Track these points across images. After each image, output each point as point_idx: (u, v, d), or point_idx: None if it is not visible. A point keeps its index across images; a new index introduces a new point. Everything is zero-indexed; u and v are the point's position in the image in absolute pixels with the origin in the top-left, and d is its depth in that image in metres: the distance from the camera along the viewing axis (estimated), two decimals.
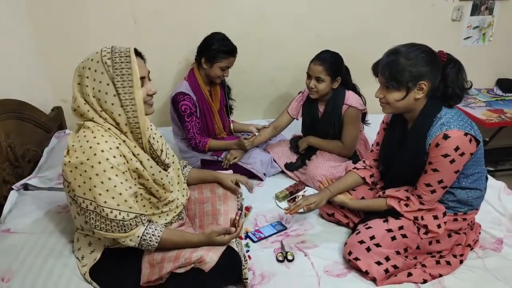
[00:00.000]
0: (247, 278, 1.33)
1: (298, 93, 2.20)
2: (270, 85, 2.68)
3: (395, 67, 1.36)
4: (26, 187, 1.78)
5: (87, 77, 1.20)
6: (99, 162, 1.17)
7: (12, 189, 1.73)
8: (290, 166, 2.15)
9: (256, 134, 2.17)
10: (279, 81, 2.67)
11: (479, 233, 1.62)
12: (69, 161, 1.20)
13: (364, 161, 1.74)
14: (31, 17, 2.19)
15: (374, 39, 2.57)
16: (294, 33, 2.52)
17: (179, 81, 2.17)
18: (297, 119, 2.20)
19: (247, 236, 1.66)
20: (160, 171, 1.36)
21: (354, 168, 1.73)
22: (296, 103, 2.18)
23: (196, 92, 2.09)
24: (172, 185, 1.45)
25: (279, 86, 2.69)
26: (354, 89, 2.05)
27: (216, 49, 2.00)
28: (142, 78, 1.24)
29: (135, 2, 2.28)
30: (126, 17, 2.31)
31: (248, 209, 1.82)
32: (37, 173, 1.88)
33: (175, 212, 1.48)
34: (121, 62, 1.19)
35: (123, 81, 1.19)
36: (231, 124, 2.36)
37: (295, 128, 2.29)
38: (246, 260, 1.36)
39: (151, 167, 1.32)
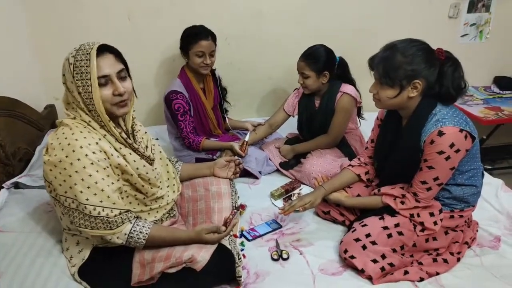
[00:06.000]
0: (240, 276, 1.31)
1: (294, 90, 2.18)
2: (267, 82, 2.66)
3: (390, 63, 1.33)
4: (16, 185, 1.75)
5: (64, 75, 1.20)
6: (78, 159, 1.15)
7: (2, 187, 1.70)
8: (284, 165, 2.13)
9: (251, 131, 2.14)
10: (276, 79, 2.65)
11: (477, 230, 1.61)
12: (48, 159, 1.17)
13: (359, 158, 1.72)
14: (27, 13, 2.17)
15: (370, 36, 2.55)
16: (292, 30, 2.51)
17: (172, 79, 2.15)
18: (293, 116, 2.19)
19: (242, 235, 1.64)
20: (144, 165, 1.33)
21: (349, 165, 1.71)
22: (292, 100, 2.16)
23: (189, 89, 2.07)
24: (159, 181, 1.43)
25: (276, 83, 2.67)
26: (351, 82, 2.04)
27: (186, 37, 2.00)
28: (105, 77, 1.18)
29: (131, 0, 2.26)
30: (122, 15, 2.29)
31: (243, 207, 1.80)
32: (29, 171, 1.85)
33: (165, 209, 1.46)
34: (81, 60, 1.16)
35: (82, 79, 1.16)
36: (227, 121, 2.34)
37: (291, 126, 2.27)
38: (240, 258, 1.34)
39: (134, 161, 1.30)
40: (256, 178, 2.06)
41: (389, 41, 1.41)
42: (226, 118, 2.35)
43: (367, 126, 2.08)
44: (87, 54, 1.15)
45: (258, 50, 2.52)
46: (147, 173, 1.34)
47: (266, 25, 2.46)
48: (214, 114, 2.22)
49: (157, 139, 2.39)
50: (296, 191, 1.95)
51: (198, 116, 2.15)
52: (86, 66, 1.15)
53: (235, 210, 1.42)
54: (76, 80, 1.16)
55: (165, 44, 2.39)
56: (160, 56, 2.43)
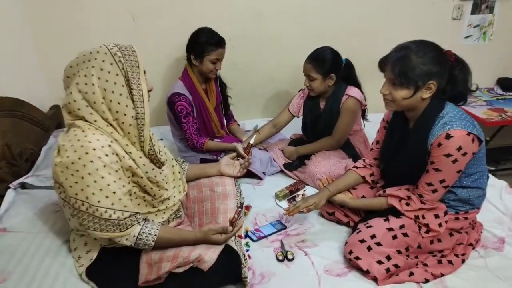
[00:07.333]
0: (246, 277, 1.31)
1: (299, 91, 2.19)
2: (269, 83, 2.66)
3: (407, 63, 1.32)
4: (23, 185, 1.76)
5: (93, 67, 1.18)
6: (91, 161, 1.15)
7: (9, 187, 1.71)
8: (288, 166, 2.13)
9: (255, 132, 2.14)
10: (278, 80, 2.65)
11: (481, 232, 1.61)
12: (60, 161, 1.17)
13: (364, 160, 1.72)
14: (29, 14, 2.17)
15: (373, 37, 2.56)
16: (293, 31, 2.51)
17: (176, 80, 2.15)
18: (298, 117, 2.19)
19: (246, 235, 1.64)
20: (153, 169, 1.34)
21: (354, 167, 1.71)
22: (297, 101, 2.16)
23: (192, 91, 2.08)
24: (166, 183, 1.43)
25: (278, 84, 2.67)
26: (357, 85, 2.04)
27: (204, 42, 1.98)
28: (144, 72, 1.26)
29: (132, 1, 2.27)
30: (124, 15, 2.29)
31: (247, 208, 1.80)
32: (35, 171, 1.86)
33: (172, 210, 1.47)
34: (129, 55, 1.21)
35: (132, 72, 1.20)
36: (232, 125, 2.35)
37: (295, 127, 2.27)
38: (246, 258, 1.34)
39: (144, 165, 1.30)
40: (260, 179, 2.07)
41: (392, 42, 1.41)
42: (233, 122, 2.36)
43: (371, 127, 2.08)
44: (133, 51, 1.22)
45: (258, 50, 2.53)
46: (155, 176, 1.35)
47: (266, 25, 2.46)
48: (217, 115, 2.23)
49: (161, 139, 2.40)
50: (301, 192, 1.96)
51: (201, 117, 2.15)
52: (136, 61, 1.22)
53: (239, 209, 1.42)
54: (128, 70, 1.19)
55: (166, 45, 2.39)
56: (162, 56, 2.43)
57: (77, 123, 1.21)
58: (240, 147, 1.94)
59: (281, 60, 2.56)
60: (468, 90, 1.39)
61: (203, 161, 2.13)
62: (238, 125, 2.42)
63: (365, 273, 1.41)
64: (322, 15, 2.51)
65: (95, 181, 1.16)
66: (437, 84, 1.34)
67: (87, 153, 1.15)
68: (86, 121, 1.21)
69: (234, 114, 2.44)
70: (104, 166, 1.17)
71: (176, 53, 2.41)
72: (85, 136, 1.17)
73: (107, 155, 1.18)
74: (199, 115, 2.14)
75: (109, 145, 1.20)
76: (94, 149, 1.16)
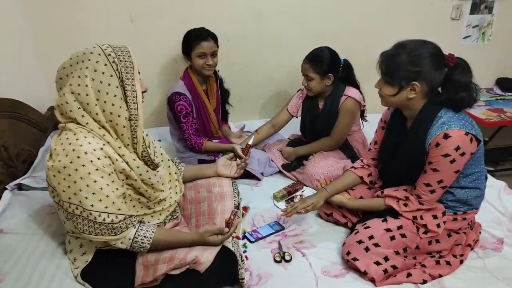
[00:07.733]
0: (243, 279, 1.31)
1: (298, 91, 2.18)
2: (268, 83, 2.65)
3: (393, 62, 1.34)
4: (20, 187, 1.75)
5: (87, 68, 1.17)
6: (83, 165, 1.14)
7: (6, 189, 1.71)
8: (287, 167, 2.13)
9: (254, 133, 2.13)
10: (277, 80, 2.64)
11: (480, 232, 1.60)
12: (52, 165, 1.16)
13: (362, 160, 1.72)
14: (29, 14, 2.17)
15: (372, 38, 2.56)
16: (293, 31, 2.51)
17: (175, 81, 2.15)
18: (297, 117, 2.18)
19: (244, 237, 1.64)
20: (147, 171, 1.33)
21: (352, 167, 1.71)
22: (296, 101, 2.16)
23: (192, 91, 2.08)
24: (162, 184, 1.43)
25: (277, 84, 2.67)
26: (356, 85, 2.03)
27: (188, 40, 2.00)
28: (139, 73, 1.25)
29: (131, 1, 2.26)
30: (123, 16, 2.29)
31: (245, 209, 1.80)
32: (32, 173, 1.86)
33: (168, 211, 1.46)
34: (123, 56, 1.20)
35: (126, 73, 1.19)
36: (224, 126, 2.35)
37: (294, 127, 2.27)
38: (243, 260, 1.34)
39: (137, 167, 1.29)
40: (258, 179, 2.07)
41: (391, 42, 1.41)
42: (225, 123, 2.36)
43: (369, 128, 2.08)
44: (127, 51, 1.21)
45: (258, 50, 2.52)
46: (150, 178, 1.34)
47: (266, 25, 2.46)
48: (216, 116, 2.22)
49: (159, 140, 2.40)
50: (299, 192, 1.95)
51: (200, 118, 2.15)
52: (130, 62, 1.20)
53: (236, 210, 1.41)
54: (122, 72, 1.18)
55: (166, 45, 2.39)
56: (161, 57, 2.43)
57: (68, 126, 1.20)
58: (238, 147, 1.94)
59: (281, 60, 2.56)
60: (463, 98, 1.34)
61: (201, 162, 2.12)
62: (229, 128, 2.43)
63: (363, 274, 1.41)
64: (322, 15, 2.51)
65: (87, 185, 1.15)
66: (424, 86, 1.33)
67: (78, 157, 1.14)
68: (78, 123, 1.20)
69: (234, 114, 2.44)
70: (96, 169, 1.16)
71: (176, 53, 2.40)
72: (77, 139, 1.16)
73: (99, 159, 1.17)
74: (199, 115, 2.13)
75: (101, 148, 1.19)
76: (86, 153, 1.15)
